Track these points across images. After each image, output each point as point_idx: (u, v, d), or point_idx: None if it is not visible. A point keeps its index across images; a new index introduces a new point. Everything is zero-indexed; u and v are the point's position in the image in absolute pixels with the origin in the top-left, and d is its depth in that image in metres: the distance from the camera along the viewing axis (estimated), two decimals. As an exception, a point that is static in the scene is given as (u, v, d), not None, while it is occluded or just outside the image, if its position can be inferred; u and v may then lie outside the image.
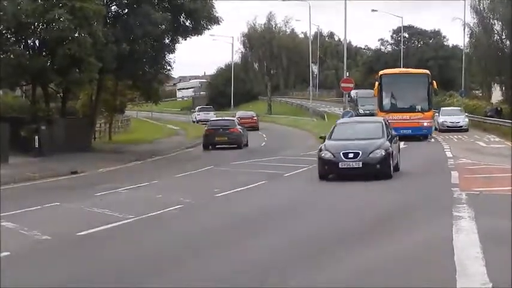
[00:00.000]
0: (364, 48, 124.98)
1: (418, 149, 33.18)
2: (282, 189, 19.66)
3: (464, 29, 64.06)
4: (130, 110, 66.23)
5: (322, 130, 37.99)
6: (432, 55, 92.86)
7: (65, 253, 11.14)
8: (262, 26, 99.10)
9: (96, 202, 17.09)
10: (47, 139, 32.51)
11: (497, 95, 66.86)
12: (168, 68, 40.78)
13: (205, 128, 40.70)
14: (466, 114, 50.41)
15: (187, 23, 38.21)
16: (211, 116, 73.50)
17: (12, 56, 31.71)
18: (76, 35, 31.64)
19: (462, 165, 24.17)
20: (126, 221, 13.92)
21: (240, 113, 65.26)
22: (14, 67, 31.21)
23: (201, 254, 10.57)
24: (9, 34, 32.57)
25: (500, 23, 59.29)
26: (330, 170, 20.34)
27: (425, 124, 38.84)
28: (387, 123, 22.94)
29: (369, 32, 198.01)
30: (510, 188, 16.91)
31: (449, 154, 29.33)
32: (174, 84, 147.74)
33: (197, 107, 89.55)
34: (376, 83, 40.16)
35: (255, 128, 57.99)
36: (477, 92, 78.79)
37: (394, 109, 39.11)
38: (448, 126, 46.93)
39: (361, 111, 53.16)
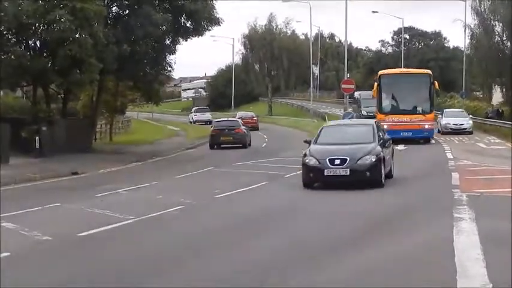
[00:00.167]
0: (364, 50, 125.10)
1: (418, 151, 32.88)
2: (282, 190, 19.61)
3: (465, 31, 64.11)
4: (131, 111, 66.29)
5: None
6: (433, 56, 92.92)
7: (66, 254, 11.15)
8: (263, 27, 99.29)
9: (96, 203, 17.10)
10: (47, 140, 32.53)
11: (497, 96, 66.87)
12: (169, 69, 40.87)
13: (212, 129, 41.87)
14: (471, 116, 49.02)
15: (188, 24, 38.23)
16: (207, 116, 78.50)
17: (13, 56, 31.73)
18: (77, 35, 31.65)
19: (463, 167, 24.16)
20: (126, 222, 13.93)
21: (240, 114, 66.79)
22: (15, 68, 31.22)
23: (201, 255, 10.57)
24: (10, 35, 32.58)
25: (501, 24, 59.29)
26: (315, 178, 18.74)
27: (426, 126, 37.20)
28: (379, 126, 21.53)
29: (369, 33, 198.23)
30: (510, 189, 16.91)
31: (449, 155, 29.31)
32: (174, 85, 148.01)
33: (193, 108, 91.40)
34: (375, 84, 38.58)
35: (255, 128, 58.65)
36: (478, 93, 78.81)
37: (394, 111, 37.65)
38: (451, 129, 45.32)
39: (364, 112, 51.48)
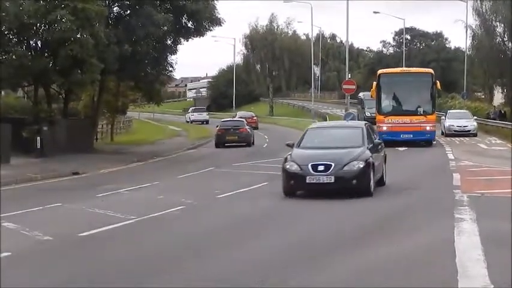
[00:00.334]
0: (366, 50, 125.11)
1: (419, 152, 32.72)
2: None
3: (466, 31, 64.10)
4: (132, 111, 66.37)
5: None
6: (434, 57, 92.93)
7: (66, 254, 11.15)
8: (264, 28, 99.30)
9: (97, 203, 17.10)
10: (48, 140, 32.52)
11: (499, 97, 66.89)
12: (170, 69, 40.88)
13: (218, 128, 43.60)
14: (475, 117, 47.64)
15: (189, 24, 38.22)
16: (204, 116, 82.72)
17: (14, 56, 31.73)
18: (78, 36, 31.64)
19: (464, 168, 24.16)
20: (127, 222, 13.94)
21: (240, 113, 69.13)
22: (16, 68, 31.22)
23: (201, 255, 10.58)
24: (11, 35, 32.57)
25: (502, 25, 59.30)
26: (297, 186, 17.09)
27: (428, 128, 35.36)
28: (371, 128, 19.80)
29: (371, 34, 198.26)
30: (511, 190, 16.91)
31: (451, 156, 29.31)
32: (176, 85, 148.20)
33: (191, 108, 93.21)
34: (374, 83, 36.76)
35: (254, 128, 59.11)
36: (479, 94, 78.82)
37: (394, 112, 35.95)
38: (455, 131, 43.74)
39: (367, 113, 50.13)
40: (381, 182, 18.67)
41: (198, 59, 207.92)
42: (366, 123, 19.94)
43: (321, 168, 16.47)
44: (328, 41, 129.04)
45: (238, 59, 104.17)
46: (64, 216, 15.44)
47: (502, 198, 16.25)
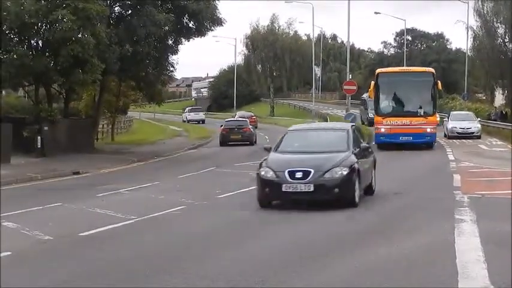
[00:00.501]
0: (367, 51, 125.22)
1: (418, 152, 32.46)
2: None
3: (467, 32, 64.12)
4: (133, 111, 66.41)
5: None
6: (435, 58, 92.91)
7: (67, 253, 11.16)
8: (265, 28, 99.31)
9: (98, 203, 17.11)
10: (49, 139, 32.56)
11: (500, 98, 66.88)
12: (171, 69, 40.93)
13: (222, 128, 45.40)
14: (479, 119, 46.37)
15: (190, 24, 38.26)
16: (201, 116, 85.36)
17: (15, 56, 31.72)
18: (79, 35, 31.66)
19: (464, 169, 24.16)
20: (128, 222, 13.95)
21: (240, 113, 71.92)
22: (17, 67, 31.23)
23: (202, 255, 10.59)
24: (12, 34, 32.58)
25: (503, 26, 59.29)
26: (272, 194, 15.30)
27: (428, 130, 33.64)
28: (357, 131, 18.15)
29: (372, 35, 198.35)
30: (511, 191, 16.91)
31: (451, 157, 29.30)
32: (177, 85, 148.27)
33: (187, 108, 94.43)
34: (372, 83, 35.19)
35: (254, 127, 59.77)
36: (480, 95, 78.80)
37: (392, 113, 34.25)
38: (458, 133, 42.40)
39: (370, 115, 48.77)
40: (369, 190, 17.13)
41: (199, 59, 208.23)
42: (352, 125, 18.29)
43: (298, 175, 14.79)
44: (329, 41, 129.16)
45: (239, 59, 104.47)
46: (64, 216, 15.44)
47: (502, 200, 16.25)
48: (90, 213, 15.55)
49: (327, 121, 66.14)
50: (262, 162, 15.79)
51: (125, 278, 9.31)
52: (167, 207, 15.81)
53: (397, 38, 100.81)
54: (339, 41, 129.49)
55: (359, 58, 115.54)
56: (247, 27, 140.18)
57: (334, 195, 14.89)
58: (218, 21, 38.32)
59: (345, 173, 14.92)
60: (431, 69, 36.95)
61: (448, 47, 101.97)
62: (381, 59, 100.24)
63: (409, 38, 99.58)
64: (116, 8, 37.63)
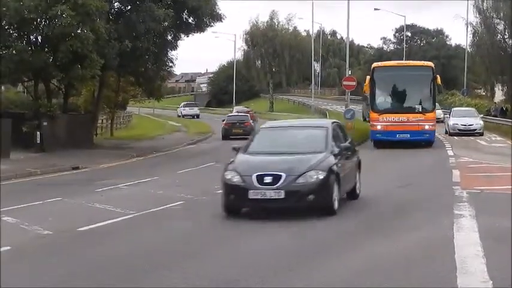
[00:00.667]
0: (366, 47, 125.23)
1: (417, 147, 31.77)
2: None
3: (467, 28, 64.17)
4: (132, 106, 66.39)
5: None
6: (435, 54, 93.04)
7: (66, 248, 11.17)
8: (265, 24, 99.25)
9: (97, 198, 17.12)
10: (48, 135, 32.55)
11: (499, 94, 66.94)
12: (170, 64, 40.89)
13: (224, 122, 47.44)
14: (481, 115, 45.57)
15: (190, 20, 38.19)
16: (195, 111, 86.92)
17: (14, 51, 31.68)
18: (78, 31, 31.63)
19: (463, 164, 24.16)
20: (127, 217, 13.97)
21: (237, 108, 73.56)
22: (16, 63, 31.20)
23: (201, 251, 10.59)
24: (11, 30, 32.55)
25: (503, 22, 59.34)
26: (238, 201, 13.56)
27: (427, 127, 32.09)
28: (339, 128, 16.09)
29: (371, 31, 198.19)
30: (511, 187, 16.92)
31: (450, 153, 29.30)
32: (176, 81, 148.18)
33: (182, 103, 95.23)
34: (367, 77, 33.49)
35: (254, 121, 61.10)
36: (479, 91, 78.86)
37: (389, 109, 32.82)
38: (459, 130, 41.27)
39: None
40: (353, 195, 15.60)
41: (199, 55, 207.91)
42: (334, 122, 16.25)
43: (267, 179, 13.02)
44: (329, 37, 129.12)
45: (239, 55, 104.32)
46: (63, 211, 15.45)
47: (501, 195, 16.26)
48: (89, 208, 15.55)
49: (326, 117, 66.29)
50: (228, 164, 14.05)
51: (123, 273, 9.31)
52: (166, 202, 15.82)
53: (397, 34, 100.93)
54: (338, 37, 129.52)
55: (358, 54, 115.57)
56: (247, 23, 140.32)
57: (308, 203, 13.13)
58: (217, 17, 38.26)
59: (321, 177, 13.20)
60: (430, 63, 35.37)
61: (448, 43, 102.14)
62: (381, 55, 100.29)
63: (409, 34, 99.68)
64: (116, 4, 37.58)
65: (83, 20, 31.17)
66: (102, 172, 25.71)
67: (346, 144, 15.51)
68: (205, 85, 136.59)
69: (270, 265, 9.49)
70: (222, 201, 13.82)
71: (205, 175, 23.72)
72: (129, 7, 37.01)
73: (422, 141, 32.26)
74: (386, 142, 31.99)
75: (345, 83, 46.98)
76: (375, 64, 35.63)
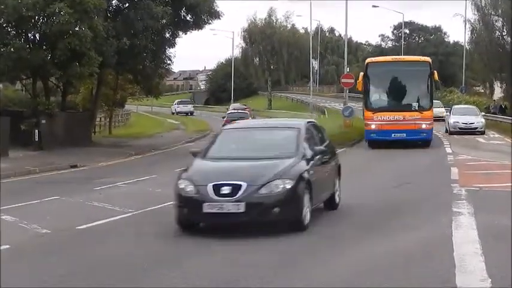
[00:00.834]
0: (364, 44, 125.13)
1: (415, 145, 31.00)
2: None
3: (465, 25, 64.09)
4: (130, 104, 66.36)
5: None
6: (433, 51, 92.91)
7: (65, 247, 11.16)
8: (263, 21, 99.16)
9: (95, 196, 17.11)
10: (47, 133, 32.52)
11: (498, 91, 66.93)
12: (168, 62, 40.91)
13: (225, 119, 46.01)
14: (483, 113, 44.17)
15: (188, 17, 38.17)
16: (189, 108, 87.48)
17: (12, 49, 31.62)
18: (76, 28, 31.61)
19: (462, 162, 24.16)
20: (125, 215, 13.96)
21: (234, 105, 73.75)
22: (14, 61, 31.15)
23: (200, 249, 10.58)
24: (9, 27, 32.50)
25: (501, 19, 59.30)
26: (192, 215, 11.69)
27: (424, 126, 30.64)
28: (314, 129, 14.13)
29: (369, 28, 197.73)
30: (510, 184, 16.92)
31: (448, 150, 29.28)
32: (174, 78, 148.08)
33: (176, 100, 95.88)
34: (361, 74, 31.86)
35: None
36: (478, 88, 78.85)
37: (384, 107, 31.31)
38: (460, 128, 39.76)
39: None
40: (331, 204, 13.93)
41: (197, 52, 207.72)
42: (309, 122, 14.37)
43: (225, 190, 11.20)
44: (327, 34, 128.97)
45: (237, 53, 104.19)
46: (62, 209, 15.45)
47: (500, 192, 16.27)
48: (87, 206, 15.54)
49: (325, 114, 66.30)
50: (182, 171, 12.22)
51: (123, 271, 9.31)
52: (164, 200, 15.78)
53: (395, 31, 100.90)
54: (337, 34, 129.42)
55: (357, 51, 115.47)
56: (245, 21, 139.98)
57: (273, 217, 11.31)
58: (215, 14, 38.24)
59: (288, 186, 11.34)
60: (427, 58, 33.70)
61: (446, 40, 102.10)
62: (379, 52, 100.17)
63: (407, 31, 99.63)
64: (114, 1, 37.52)
65: (81, 17, 31.14)
66: (100, 170, 25.69)
67: (322, 147, 13.62)
68: (203, 83, 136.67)
69: (270, 265, 9.48)
70: (175, 214, 11.93)
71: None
72: (127, 4, 37.00)
73: (419, 141, 30.96)
74: (381, 142, 30.80)
75: (343, 80, 47.02)
76: (368, 59, 33.94)
